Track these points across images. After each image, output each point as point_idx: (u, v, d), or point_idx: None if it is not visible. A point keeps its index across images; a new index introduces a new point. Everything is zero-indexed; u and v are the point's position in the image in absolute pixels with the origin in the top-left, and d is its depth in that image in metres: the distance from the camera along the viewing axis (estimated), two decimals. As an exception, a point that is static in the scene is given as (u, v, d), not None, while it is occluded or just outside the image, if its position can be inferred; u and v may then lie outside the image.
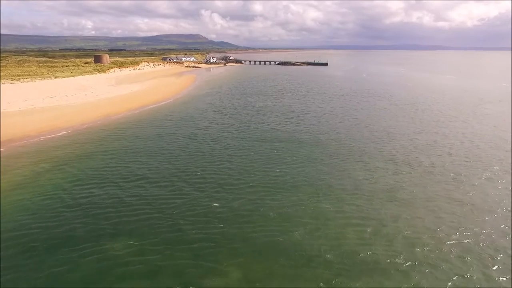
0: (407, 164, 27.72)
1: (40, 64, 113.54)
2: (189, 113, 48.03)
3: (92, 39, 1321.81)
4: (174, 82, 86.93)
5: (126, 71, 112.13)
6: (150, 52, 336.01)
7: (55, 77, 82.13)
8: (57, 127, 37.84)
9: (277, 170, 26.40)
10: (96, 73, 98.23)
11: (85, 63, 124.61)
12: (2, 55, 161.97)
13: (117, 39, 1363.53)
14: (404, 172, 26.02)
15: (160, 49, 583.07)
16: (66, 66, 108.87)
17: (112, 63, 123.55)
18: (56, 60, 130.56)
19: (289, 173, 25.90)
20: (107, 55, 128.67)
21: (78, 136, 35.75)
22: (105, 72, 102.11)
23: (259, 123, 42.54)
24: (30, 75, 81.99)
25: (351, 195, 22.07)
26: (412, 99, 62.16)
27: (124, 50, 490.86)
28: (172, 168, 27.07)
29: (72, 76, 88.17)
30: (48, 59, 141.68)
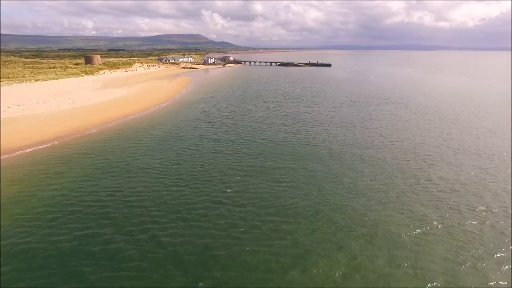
0: (470, 210, 20.21)
1: (26, 65, 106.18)
2: (177, 126, 40.63)
3: (92, 39, 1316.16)
4: (166, 85, 79.48)
5: (117, 73, 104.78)
6: (148, 52, 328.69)
7: (36, 80, 74.79)
8: (7, 146, 30.46)
9: (285, 225, 18.91)
10: (83, 75, 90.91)
11: (75, 64, 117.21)
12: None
13: (117, 39, 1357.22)
14: (472, 229, 18.50)
15: (160, 49, 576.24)
16: (53, 68, 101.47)
17: (104, 64, 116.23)
18: (44, 61, 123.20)
19: (300, 230, 18.42)
20: (99, 56, 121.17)
21: (30, 158, 28.35)
22: (93, 74, 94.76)
23: (259, 139, 35.09)
24: (8, 78, 74.64)
25: (403, 276, 14.60)
26: (433, 106, 54.66)
27: (123, 50, 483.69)
28: (140, 210, 19.67)
29: (55, 78, 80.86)
30: (36, 59, 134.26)
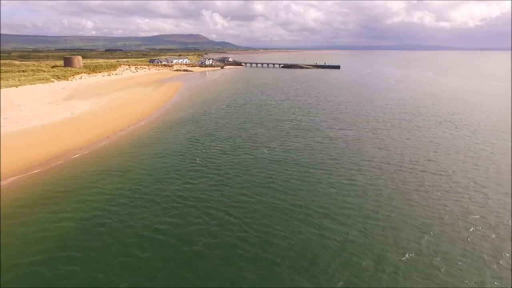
0: None
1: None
2: (143, 172, 25.75)
3: (92, 39, 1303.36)
4: (149, 94, 64.48)
5: (97, 77, 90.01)
6: (145, 53, 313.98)
7: (-13, 88, 60.14)
8: None
9: None
10: (54, 81, 76.14)
11: (53, 66, 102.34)
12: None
13: (117, 39, 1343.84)
14: None
15: (159, 49, 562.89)
16: (23, 71, 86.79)
17: (85, 66, 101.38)
18: (16, 63, 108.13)
19: None
20: (80, 57, 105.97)
21: None
22: (67, 79, 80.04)
23: (278, 202, 20.18)
24: (-47, 85, 60.05)
25: None
26: (506, 129, 39.84)
27: (121, 50, 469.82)
28: None
29: (15, 85, 66.15)
30: (9, 61, 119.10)
